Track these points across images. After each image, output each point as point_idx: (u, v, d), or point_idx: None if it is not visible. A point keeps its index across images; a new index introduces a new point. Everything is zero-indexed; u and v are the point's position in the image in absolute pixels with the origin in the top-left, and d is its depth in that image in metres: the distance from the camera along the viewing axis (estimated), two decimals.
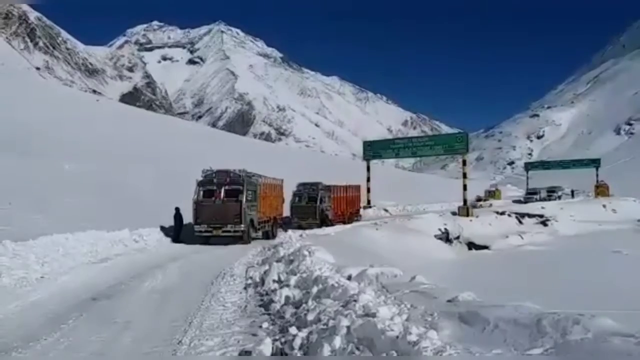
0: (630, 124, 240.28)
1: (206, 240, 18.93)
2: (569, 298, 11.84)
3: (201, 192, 19.05)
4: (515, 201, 60.21)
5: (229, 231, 18.67)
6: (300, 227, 25.20)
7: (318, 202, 28.08)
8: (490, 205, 50.18)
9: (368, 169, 42.36)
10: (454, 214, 36.42)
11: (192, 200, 18.92)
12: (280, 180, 24.95)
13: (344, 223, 29.74)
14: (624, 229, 38.84)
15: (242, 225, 18.71)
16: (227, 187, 18.90)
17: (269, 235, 21.71)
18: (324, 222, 27.86)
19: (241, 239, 18.99)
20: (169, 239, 18.98)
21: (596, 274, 19.37)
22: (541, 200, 57.63)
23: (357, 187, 36.47)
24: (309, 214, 27.65)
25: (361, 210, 36.89)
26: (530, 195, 63.29)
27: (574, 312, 4.52)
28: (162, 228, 19.43)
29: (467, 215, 35.82)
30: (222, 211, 18.60)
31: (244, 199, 18.72)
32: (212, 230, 18.66)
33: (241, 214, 18.62)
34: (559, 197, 61.05)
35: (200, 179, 19.47)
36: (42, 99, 65.27)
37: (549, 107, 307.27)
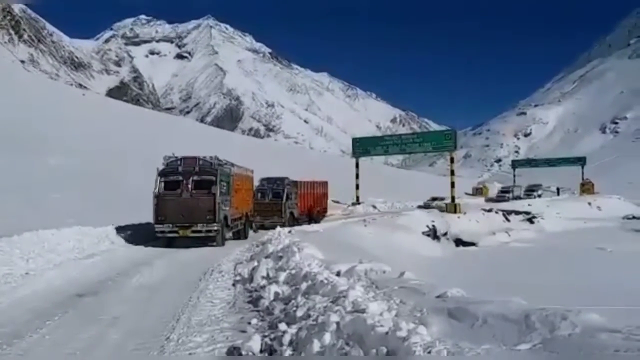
0: (615, 123, 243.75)
1: (170, 243, 16.17)
2: (556, 294, 11.96)
3: (163, 184, 16.09)
4: (488, 200, 58.28)
5: (200, 231, 15.89)
6: (262, 227, 23.35)
7: (284, 199, 25.80)
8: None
9: (357, 165, 42.41)
10: (441, 210, 36.66)
11: (152, 193, 16.01)
12: (251, 171, 22.44)
13: (309, 222, 27.47)
14: (609, 226, 39.33)
15: (216, 225, 15.91)
16: (196, 178, 16.09)
17: (240, 235, 19.40)
18: (290, 220, 25.77)
19: (213, 240, 16.35)
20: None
21: (581, 270, 19.61)
22: (515, 199, 55.43)
23: (325, 184, 34.86)
24: (273, 212, 25.31)
25: (329, 209, 35.10)
26: (503, 193, 60.83)
27: (561, 308, 4.56)
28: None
29: (455, 212, 36.07)
30: (190, 207, 15.79)
31: (218, 192, 15.92)
32: (177, 230, 15.83)
33: (215, 211, 15.80)
34: (539, 196, 59.51)
35: (162, 167, 16.51)
36: (26, 92, 64.32)
37: (536, 106, 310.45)
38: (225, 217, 16.71)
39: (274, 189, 25.99)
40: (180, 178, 16.04)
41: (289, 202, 26.41)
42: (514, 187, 64.82)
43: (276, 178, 26.58)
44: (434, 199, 47.89)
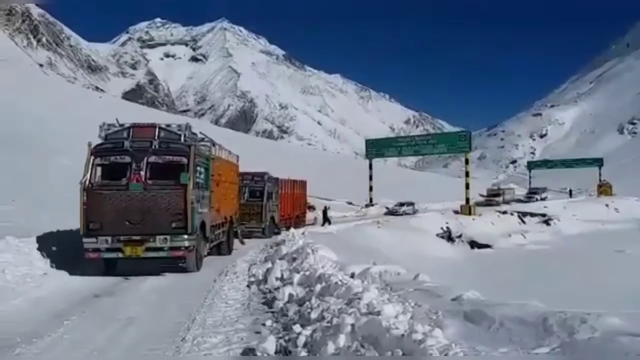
0: (633, 124, 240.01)
1: (111, 268, 10.72)
2: (574, 297, 11.81)
3: (98, 169, 10.68)
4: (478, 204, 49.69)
5: (160, 249, 10.29)
6: (234, 235, 16.63)
7: (264, 199, 21.23)
8: (416, 211, 38.60)
9: (370, 167, 42.37)
10: (456, 212, 36.43)
11: (80, 185, 10.40)
12: (236, 157, 16.48)
13: (288, 229, 22.48)
14: (627, 228, 38.79)
15: (188, 237, 10.35)
16: (154, 159, 10.46)
17: (221, 249, 14.24)
18: (270, 227, 21.67)
19: (183, 263, 10.86)
20: None
21: (600, 273, 19.33)
22: (505, 203, 48.73)
23: (304, 184, 29.66)
24: (251, 215, 20.57)
25: (308, 214, 29.93)
26: (491, 197, 50.08)
27: (580, 311, 4.49)
28: None
29: (469, 214, 35.81)
30: (144, 208, 10.20)
31: (191, 185, 10.38)
32: (121, 247, 10.20)
33: (187, 214, 10.27)
34: (542, 199, 54.40)
35: (99, 142, 10.97)
36: (44, 95, 65.39)
37: (552, 106, 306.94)
38: (203, 225, 11.35)
39: (252, 186, 21.22)
40: (128, 160, 10.37)
41: (270, 204, 21.85)
42: (505, 189, 58.24)
43: (254, 173, 21.57)
44: (401, 204, 39.56)
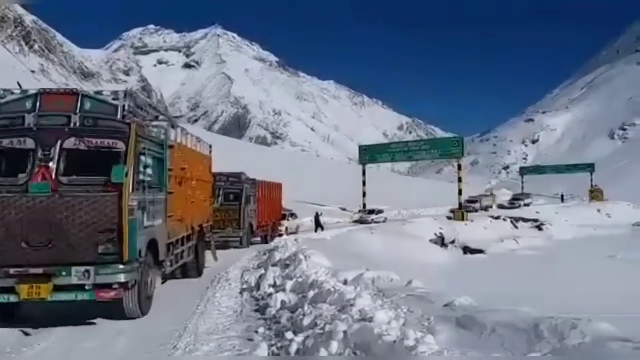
0: (624, 129, 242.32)
1: (7, 315, 7.07)
2: (566, 302, 11.85)
3: None
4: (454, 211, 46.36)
5: (80, 289, 6.66)
6: (207, 247, 13.04)
7: (243, 203, 18.83)
8: (385, 219, 37.14)
9: (364, 173, 42.42)
10: (449, 218, 36.53)
11: None
12: (207, 147, 12.84)
13: (266, 240, 21.40)
14: (619, 233, 39.03)
15: (124, 271, 6.78)
16: (71, 145, 6.91)
17: (188, 271, 11.07)
18: (248, 235, 19.45)
19: (119, 304, 7.16)
20: None
21: (592, 279, 19.42)
22: (483, 209, 47.03)
23: (279, 187, 26.36)
24: (227, 222, 18.27)
25: (284, 223, 26.19)
26: (469, 204, 45.29)
27: (571, 317, 4.51)
28: None
29: (462, 219, 35.92)
30: (53, 225, 6.55)
31: (131, 184, 6.90)
32: (12, 287, 6.52)
33: (124, 233, 6.65)
34: (527, 205, 52.94)
35: None
36: None
37: (544, 112, 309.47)
38: (153, 246, 7.75)
39: (228, 188, 18.80)
40: (31, 144, 6.82)
41: (249, 209, 19.49)
42: (481, 197, 53.35)
43: (229, 173, 19.26)
44: (369, 211, 39.41)
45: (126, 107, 7.30)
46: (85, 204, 6.61)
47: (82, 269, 6.55)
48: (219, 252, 14.14)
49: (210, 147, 13.23)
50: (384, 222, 34.94)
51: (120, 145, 6.91)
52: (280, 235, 22.55)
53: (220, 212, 17.80)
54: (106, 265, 6.64)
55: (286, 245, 14.75)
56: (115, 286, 6.74)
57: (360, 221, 36.62)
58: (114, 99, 7.32)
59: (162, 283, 9.10)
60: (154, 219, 7.77)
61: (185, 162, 9.98)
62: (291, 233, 22.52)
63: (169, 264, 8.97)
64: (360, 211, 40.25)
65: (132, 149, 6.93)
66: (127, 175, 6.72)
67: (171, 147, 8.60)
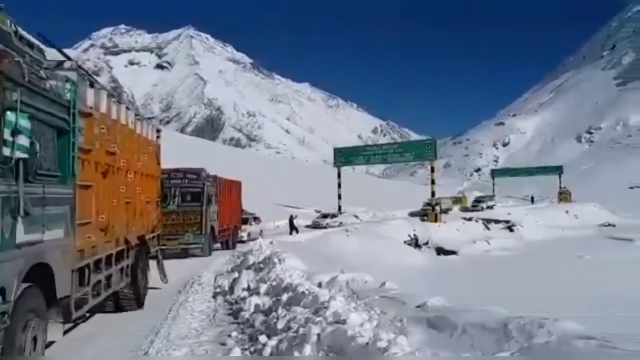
0: (590, 132, 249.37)
1: None
2: (535, 302, 12.12)
3: None
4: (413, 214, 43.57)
5: None
6: (153, 263, 10.05)
7: (204, 204, 16.69)
8: (340, 224, 35.32)
9: (339, 175, 42.57)
10: (422, 219, 36.98)
11: None
12: (154, 130, 10.09)
13: (227, 245, 19.98)
14: (586, 234, 40.16)
15: None
16: None
17: (121, 303, 8.08)
18: (210, 240, 17.44)
19: None
20: None
21: (560, 278, 19.92)
22: (442, 212, 42.05)
23: (239, 186, 23.75)
24: (186, 226, 16.23)
25: (245, 227, 24.38)
26: (426, 207, 42.33)
27: (538, 316, 4.62)
28: None
29: (435, 221, 36.41)
30: None
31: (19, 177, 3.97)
32: None
33: None
34: (490, 207, 52.33)
35: None
36: None
37: (514, 115, 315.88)
38: (45, 274, 4.55)
39: (186, 187, 16.58)
40: None
41: (211, 210, 17.29)
42: (442, 200, 50.46)
43: (186, 169, 17.13)
44: (324, 215, 38.80)
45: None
46: None
47: None
48: (174, 262, 12.01)
49: (159, 131, 10.34)
50: (339, 226, 32.82)
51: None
52: (242, 241, 21.02)
53: (177, 215, 15.86)
54: None
55: (260, 248, 14.67)
56: None
57: (314, 225, 35.51)
58: None
59: (66, 332, 5.52)
60: (43, 229, 4.51)
61: (115, 144, 7.01)
62: (253, 239, 19.81)
63: (80, 301, 5.64)
64: (323, 215, 39.02)
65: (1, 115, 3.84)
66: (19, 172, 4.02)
67: (88, 115, 5.93)
